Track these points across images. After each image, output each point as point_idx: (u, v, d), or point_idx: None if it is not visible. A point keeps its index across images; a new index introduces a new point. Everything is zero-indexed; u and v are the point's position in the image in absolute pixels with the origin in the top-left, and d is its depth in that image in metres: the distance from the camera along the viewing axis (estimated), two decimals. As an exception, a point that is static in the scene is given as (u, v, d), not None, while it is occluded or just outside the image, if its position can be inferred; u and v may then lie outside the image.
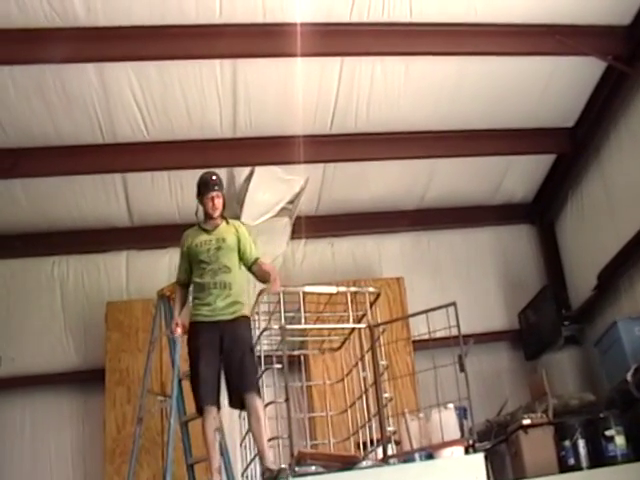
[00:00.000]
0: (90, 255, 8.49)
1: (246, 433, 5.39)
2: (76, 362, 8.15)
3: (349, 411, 5.54)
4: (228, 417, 6.77)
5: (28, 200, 7.90)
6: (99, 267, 8.45)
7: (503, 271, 9.02)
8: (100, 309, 7.94)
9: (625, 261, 7.28)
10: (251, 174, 7.87)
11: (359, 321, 5.37)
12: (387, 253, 8.91)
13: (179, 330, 5.52)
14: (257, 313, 5.32)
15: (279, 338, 5.16)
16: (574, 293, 8.53)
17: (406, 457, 5.35)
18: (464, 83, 7.38)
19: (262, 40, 6.45)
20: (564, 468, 6.25)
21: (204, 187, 5.66)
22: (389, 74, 7.19)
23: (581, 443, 6.31)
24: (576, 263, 8.58)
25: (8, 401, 7.94)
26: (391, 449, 5.18)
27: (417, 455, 5.44)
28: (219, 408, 5.38)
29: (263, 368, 5.08)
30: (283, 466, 4.90)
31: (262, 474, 4.97)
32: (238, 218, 7.88)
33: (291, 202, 8.11)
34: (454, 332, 5.05)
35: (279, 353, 5.06)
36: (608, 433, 6.25)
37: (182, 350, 5.68)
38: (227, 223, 5.73)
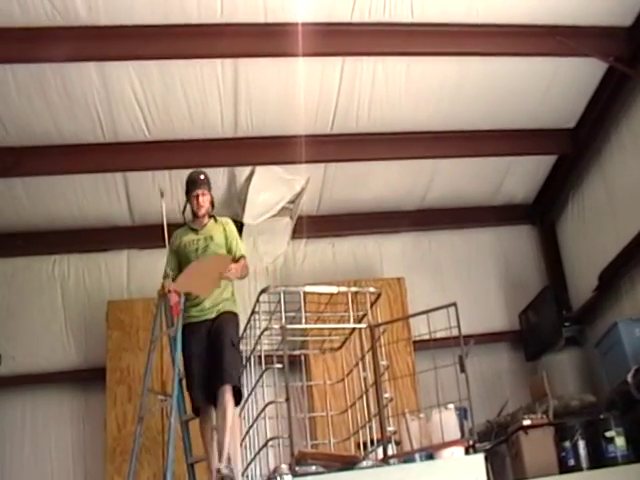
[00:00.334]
0: (91, 254, 8.49)
1: (246, 433, 5.38)
2: (77, 361, 8.15)
3: (349, 411, 5.53)
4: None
5: (29, 199, 7.90)
6: (100, 266, 8.45)
7: (504, 272, 9.01)
8: (101, 308, 7.94)
9: (626, 262, 7.27)
10: (252, 174, 7.87)
11: (360, 321, 5.36)
12: (388, 253, 8.90)
13: (175, 297, 5.49)
14: (258, 312, 5.31)
15: (280, 338, 5.15)
16: (575, 294, 8.51)
17: (406, 457, 5.34)
18: (465, 83, 7.37)
19: (263, 40, 6.45)
20: (564, 469, 6.24)
21: (191, 185, 5.75)
22: (390, 74, 7.19)
23: (581, 444, 6.30)
24: (577, 264, 8.56)
25: (9, 400, 7.94)
26: (391, 449, 5.17)
27: (417, 455, 5.43)
28: (215, 406, 5.36)
29: (264, 368, 5.07)
30: (226, 472, 5.00)
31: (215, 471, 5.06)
32: (239, 218, 7.90)
33: (292, 202, 8.11)
34: (455, 332, 5.04)
35: (280, 353, 5.05)
36: (608, 434, 6.24)
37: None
38: (215, 221, 5.77)
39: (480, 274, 8.88)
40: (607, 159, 7.73)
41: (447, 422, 5.17)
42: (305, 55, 6.53)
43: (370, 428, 5.19)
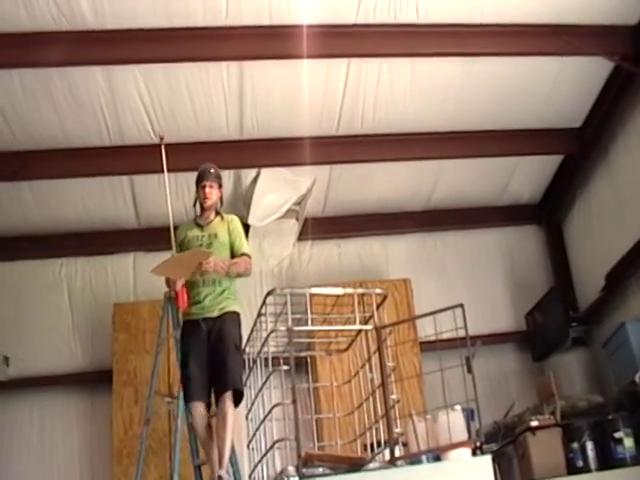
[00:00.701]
0: (97, 257, 8.52)
1: (253, 435, 5.39)
2: (83, 363, 8.19)
3: (356, 413, 5.53)
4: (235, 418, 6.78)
5: (36, 202, 7.94)
6: (106, 269, 8.49)
7: (510, 272, 9.02)
8: (107, 311, 7.98)
9: (633, 261, 7.25)
10: (257, 176, 7.89)
11: (366, 322, 5.36)
12: (394, 254, 8.91)
13: (179, 282, 5.49)
14: (264, 314, 5.32)
15: (286, 340, 5.16)
16: (582, 294, 8.50)
17: (413, 459, 5.34)
18: (470, 84, 7.38)
19: (268, 42, 6.48)
20: (572, 470, 6.24)
21: (200, 176, 5.73)
22: (395, 75, 7.20)
23: (589, 445, 6.30)
24: (584, 264, 8.56)
25: (16, 402, 7.99)
26: (398, 451, 5.17)
27: (424, 457, 5.43)
28: (209, 405, 5.38)
29: (270, 370, 5.08)
30: (227, 478, 5.03)
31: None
32: (245, 220, 7.91)
33: (298, 204, 8.12)
34: (461, 333, 5.04)
35: (286, 355, 5.06)
36: (617, 435, 6.24)
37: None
38: (222, 219, 5.74)
39: (486, 275, 8.89)
40: (614, 158, 7.72)
41: (454, 423, 5.16)
42: (310, 57, 6.56)
43: (377, 430, 5.18)
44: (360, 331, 5.37)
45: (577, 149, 8.24)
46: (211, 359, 5.33)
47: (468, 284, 8.59)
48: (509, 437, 6.71)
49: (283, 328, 5.01)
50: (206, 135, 7.43)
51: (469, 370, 4.97)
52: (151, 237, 8.14)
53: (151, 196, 7.85)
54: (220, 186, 5.79)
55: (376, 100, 7.37)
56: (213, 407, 5.38)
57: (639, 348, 6.70)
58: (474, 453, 5.13)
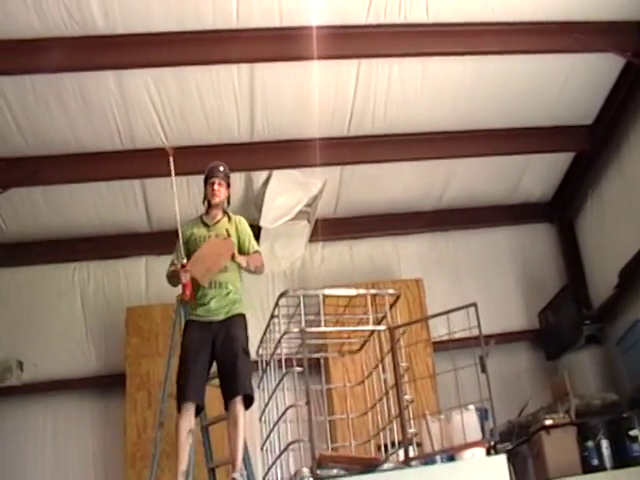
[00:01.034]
0: (110, 261, 8.58)
1: (266, 437, 5.42)
2: (97, 367, 8.24)
3: (369, 413, 5.54)
4: (248, 420, 6.81)
5: (48, 207, 8.01)
6: (119, 273, 8.55)
7: (522, 271, 9.02)
8: (120, 314, 8.04)
9: (646, 259, 7.26)
10: (269, 178, 7.93)
11: (379, 323, 5.38)
12: (405, 254, 8.94)
13: (188, 276, 5.43)
14: (277, 316, 5.35)
15: (299, 341, 5.19)
16: (595, 292, 8.50)
17: (427, 459, 5.35)
18: (481, 82, 7.41)
19: (279, 44, 6.54)
20: (587, 469, 6.26)
21: (209, 173, 5.74)
22: (406, 75, 7.24)
23: (604, 443, 6.31)
24: (596, 261, 8.56)
25: (30, 406, 8.05)
26: (412, 451, 5.19)
27: (438, 457, 5.45)
28: (201, 409, 5.42)
29: (284, 371, 5.11)
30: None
31: None
32: (257, 222, 7.95)
33: (309, 205, 8.14)
34: (474, 333, 5.05)
35: (299, 356, 5.09)
36: (632, 433, 6.26)
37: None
38: (229, 219, 5.75)
39: (498, 274, 8.90)
40: (626, 155, 7.72)
41: (468, 423, 5.18)
42: (320, 58, 6.60)
43: (390, 430, 5.20)
44: (373, 332, 5.39)
45: (589, 146, 8.25)
46: (219, 363, 5.34)
47: (480, 283, 8.61)
48: (523, 436, 6.72)
49: (296, 330, 5.03)
50: (217, 138, 7.48)
51: (483, 369, 4.97)
52: (163, 240, 8.11)
53: (163, 199, 7.83)
54: (228, 185, 5.79)
55: (387, 100, 7.41)
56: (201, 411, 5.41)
57: (653, 345, 6.71)
58: (488, 453, 5.15)
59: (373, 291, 5.49)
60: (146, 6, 6.12)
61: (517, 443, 6.73)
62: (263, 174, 7.99)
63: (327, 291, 5.44)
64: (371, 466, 5.04)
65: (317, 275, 8.66)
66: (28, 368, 8.09)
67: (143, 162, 7.43)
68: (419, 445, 5.47)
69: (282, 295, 5.22)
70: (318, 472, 4.76)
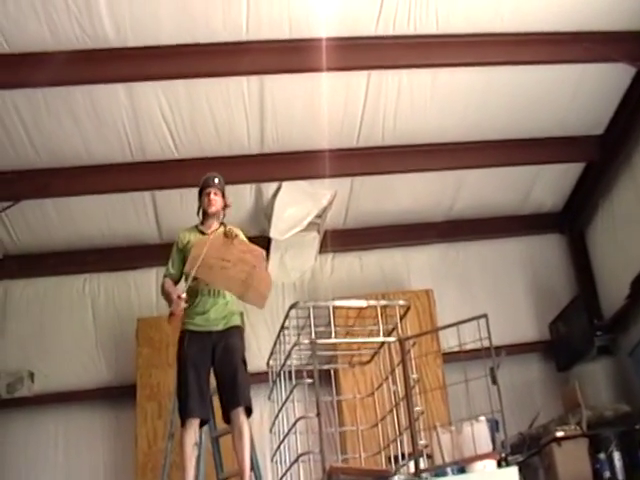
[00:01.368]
0: (120, 272, 8.62)
1: (277, 448, 5.43)
2: (107, 378, 8.27)
3: (380, 425, 5.54)
4: (258, 431, 6.82)
5: (60, 219, 8.06)
6: (129, 284, 8.58)
7: (533, 281, 9.00)
8: (131, 325, 8.06)
9: (658, 269, 7.24)
10: (279, 189, 7.96)
11: (389, 334, 5.38)
12: (415, 265, 8.94)
13: (182, 303, 5.23)
14: (287, 328, 5.36)
15: (309, 353, 5.19)
16: (606, 302, 8.47)
17: (438, 471, 5.34)
18: (491, 93, 7.42)
19: (288, 56, 6.56)
20: (600, 481, 6.22)
21: (203, 184, 5.67)
22: (415, 86, 7.26)
23: (617, 455, 6.28)
24: (608, 272, 8.52)
25: (41, 417, 8.09)
26: (423, 463, 5.18)
27: (449, 469, 5.43)
28: (206, 422, 5.38)
29: (294, 383, 5.11)
30: None
31: None
32: (267, 233, 7.98)
33: (319, 216, 8.15)
34: (485, 344, 5.05)
35: (309, 368, 5.09)
36: (644, 444, 6.22)
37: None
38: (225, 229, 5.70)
39: (509, 284, 8.89)
40: (637, 165, 7.69)
41: (479, 435, 5.17)
42: (330, 70, 6.63)
43: (401, 442, 5.20)
44: (383, 343, 5.39)
45: (599, 156, 8.24)
46: (219, 374, 5.30)
47: (491, 294, 8.60)
48: (534, 448, 6.69)
49: (306, 341, 5.04)
50: (227, 149, 7.51)
51: (494, 381, 4.97)
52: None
53: (173, 211, 7.95)
54: (224, 196, 5.72)
55: (397, 111, 7.43)
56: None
57: (666, 356, 6.68)
58: (499, 464, 5.13)
59: (383, 302, 5.48)
60: (157, 19, 6.17)
61: (528, 455, 6.70)
62: (273, 185, 8.01)
63: (337, 302, 5.45)
64: (381, 478, 5.05)
65: (327, 286, 8.65)
66: (39, 379, 8.13)
67: (154, 174, 7.49)
68: (430, 457, 5.46)
69: (292, 306, 5.23)
70: (329, 484, 4.76)
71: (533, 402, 8.12)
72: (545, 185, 8.84)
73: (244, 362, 5.36)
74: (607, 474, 6.26)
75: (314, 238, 8.39)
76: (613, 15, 6.72)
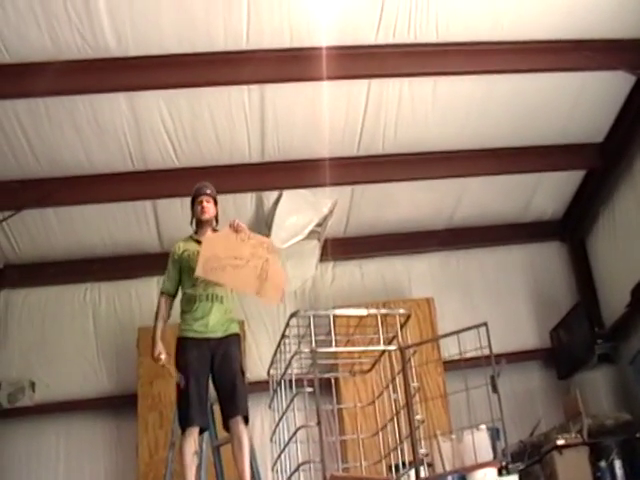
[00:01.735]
0: (122, 281, 8.66)
1: (277, 457, 5.43)
2: (108, 388, 8.29)
3: (380, 433, 5.55)
4: (258, 440, 6.83)
5: (61, 228, 8.09)
6: (130, 293, 8.61)
7: (534, 289, 9.03)
8: (132, 335, 8.06)
9: (659, 277, 7.25)
10: (279, 198, 7.99)
11: (389, 343, 5.39)
12: (416, 274, 8.97)
13: (163, 357, 5.34)
14: (287, 336, 5.38)
15: (310, 361, 5.20)
16: (607, 310, 8.49)
17: (439, 479, 5.36)
18: (492, 101, 7.45)
19: (289, 65, 6.58)
20: (600, 489, 6.22)
21: (196, 192, 5.65)
22: (416, 94, 7.28)
23: (618, 464, 6.28)
24: (609, 280, 8.54)
25: (42, 426, 8.10)
26: (423, 471, 5.18)
27: (450, 477, 5.45)
28: (206, 429, 5.37)
29: (294, 392, 5.12)
30: None
31: None
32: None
33: (319, 225, 8.16)
34: (485, 352, 5.06)
35: (310, 376, 5.10)
36: (645, 453, 6.22)
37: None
38: None
39: (510, 292, 8.91)
40: (638, 172, 7.71)
41: (479, 443, 5.19)
42: (330, 78, 6.66)
43: (402, 450, 5.21)
44: (384, 352, 5.40)
45: (600, 164, 8.26)
46: (218, 382, 5.30)
47: (492, 302, 8.62)
48: (535, 456, 6.70)
49: (307, 350, 5.05)
50: (228, 158, 7.54)
51: (494, 389, 4.98)
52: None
53: (174, 220, 7.91)
54: (216, 204, 5.69)
55: (397, 120, 7.46)
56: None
57: (667, 364, 6.68)
58: (500, 473, 5.15)
59: (384, 311, 5.49)
60: (158, 28, 6.20)
61: (529, 463, 6.71)
62: (274, 194, 8.04)
63: (338, 311, 5.45)
64: (382, 486, 5.05)
65: (328, 295, 8.69)
66: (40, 388, 8.15)
67: (155, 183, 7.51)
68: (430, 465, 5.47)
69: (293, 315, 5.24)
70: (329, 492, 4.76)
71: (534, 410, 8.13)
72: (546, 193, 8.86)
73: (242, 371, 5.37)
74: (608, 482, 6.27)
75: (315, 247, 8.40)
76: (613, 23, 6.74)
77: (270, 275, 5.36)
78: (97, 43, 6.18)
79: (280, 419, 5.33)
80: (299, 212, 7.96)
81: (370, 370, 5.75)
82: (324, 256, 8.59)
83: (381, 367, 5.57)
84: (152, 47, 6.32)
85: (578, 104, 7.62)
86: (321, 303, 8.40)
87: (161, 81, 6.53)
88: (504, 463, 5.19)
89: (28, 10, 5.85)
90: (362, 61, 6.72)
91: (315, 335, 5.09)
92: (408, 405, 5.07)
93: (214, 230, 5.64)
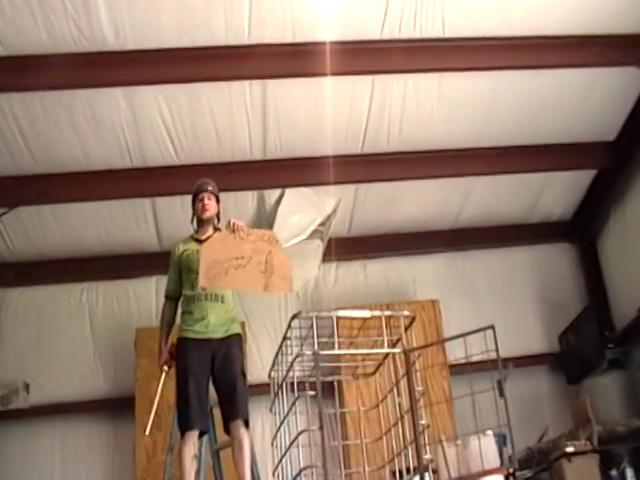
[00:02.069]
0: (119, 281, 8.63)
1: (278, 462, 5.41)
2: (105, 389, 8.26)
3: (384, 438, 5.52)
4: (259, 444, 6.80)
5: (57, 226, 8.05)
6: (128, 293, 8.58)
7: (542, 292, 8.99)
8: (130, 335, 8.04)
9: (672, 279, 7.22)
10: (281, 196, 7.98)
11: (394, 345, 5.37)
12: (421, 275, 8.94)
13: (166, 368, 5.40)
14: (289, 338, 5.35)
15: (312, 364, 5.18)
16: (618, 314, 8.46)
17: (444, 486, 5.35)
18: (499, 98, 7.43)
19: (292, 60, 6.58)
20: (611, 498, 6.19)
21: (197, 190, 5.63)
22: (422, 91, 7.27)
23: (629, 472, 6.27)
24: (619, 282, 8.51)
25: (37, 429, 8.06)
26: (428, 478, 5.16)
27: (455, 484, 5.43)
28: (205, 433, 5.35)
29: (296, 395, 5.10)
30: None
31: None
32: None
33: (322, 224, 8.14)
34: (492, 356, 5.04)
35: (312, 379, 5.08)
36: (658, 461, 6.18)
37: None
38: None
39: (517, 295, 8.88)
40: (650, 172, 7.71)
41: (486, 449, 5.17)
42: (334, 74, 6.64)
43: (406, 456, 5.18)
44: (388, 354, 5.38)
45: (611, 163, 8.24)
46: (218, 384, 5.28)
47: (498, 304, 8.58)
48: (543, 463, 6.66)
49: (309, 352, 5.03)
50: (229, 155, 7.52)
51: (501, 394, 4.96)
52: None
53: (173, 218, 7.90)
54: (218, 201, 5.68)
55: (402, 117, 7.44)
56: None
57: (680, 369, 6.65)
58: (507, 480, 5.12)
59: (388, 313, 5.47)
60: (157, 22, 6.19)
61: (537, 470, 6.67)
62: (276, 192, 8.02)
63: (341, 313, 5.43)
64: (386, 493, 5.02)
65: (331, 296, 8.66)
66: (35, 390, 8.10)
67: (153, 180, 7.50)
68: (435, 472, 5.45)
69: (295, 317, 5.22)
70: (331, 499, 4.74)
71: (542, 416, 8.09)
72: (554, 193, 8.84)
73: (243, 374, 5.35)
74: (619, 491, 6.24)
75: (318, 246, 8.37)
76: (623, 18, 6.73)
77: (276, 267, 5.32)
78: (94, 36, 6.16)
79: (281, 423, 5.30)
80: (301, 211, 7.94)
81: (374, 373, 5.73)
82: (327, 256, 8.55)
83: (385, 370, 5.55)
84: (151, 41, 6.30)
85: (587, 101, 7.59)
86: (324, 304, 8.37)
87: (160, 76, 6.52)
88: (511, 470, 5.16)
89: (23, 1, 5.84)
90: (366, 57, 6.71)
91: (317, 337, 5.07)
92: (412, 409, 5.05)
93: (215, 229, 5.61)
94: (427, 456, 5.09)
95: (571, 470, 6.23)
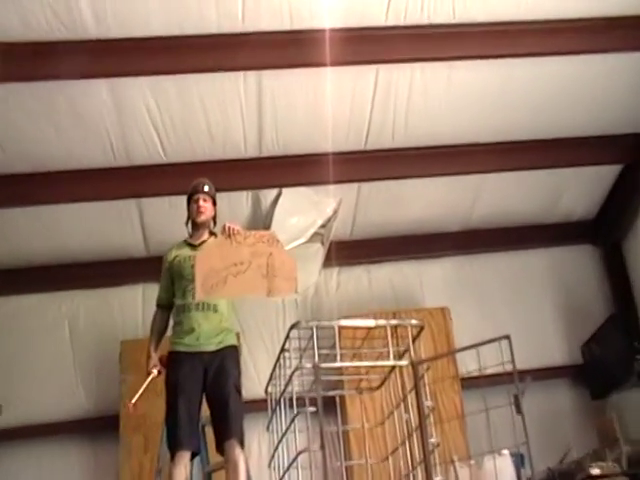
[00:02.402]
0: (102, 289, 8.66)
1: (276, 482, 5.47)
2: (86, 408, 8.29)
3: (390, 458, 5.57)
4: (256, 465, 6.85)
5: (33, 230, 8.06)
6: (112, 302, 8.61)
7: (562, 298, 9.04)
8: (114, 348, 8.07)
9: None
10: (278, 196, 8.03)
11: (401, 357, 5.41)
12: (429, 280, 8.99)
13: (155, 372, 5.45)
14: (287, 350, 5.40)
15: (312, 378, 5.22)
16: (646, 322, 8.50)
17: (456, 510, 5.39)
18: (513, 88, 7.46)
19: (289, 49, 6.62)
20: (640, 525, 6.22)
21: (192, 190, 5.70)
22: (429, 82, 7.31)
23: (662, 497, 6.28)
24: (648, 287, 8.57)
25: (11, 453, 8.05)
26: (439, 501, 5.22)
27: (469, 507, 5.48)
28: (197, 454, 5.39)
29: (295, 412, 5.14)
30: None
31: None
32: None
33: (323, 226, 8.18)
34: (508, 368, 5.08)
35: (312, 395, 5.12)
36: (693, 485, 6.21)
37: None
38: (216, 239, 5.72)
39: (535, 301, 8.93)
40: (682, 167, 7.76)
41: (502, 470, 5.21)
42: (335, 64, 6.68)
43: (414, 477, 5.23)
44: (394, 367, 5.42)
45: (638, 157, 8.28)
46: (211, 400, 5.32)
47: (514, 312, 8.64)
48: (566, 486, 6.71)
49: (309, 365, 5.07)
50: (221, 153, 7.57)
51: (518, 410, 5.00)
52: (161, 267, 8.28)
53: (161, 221, 7.97)
54: (214, 203, 5.76)
55: (408, 110, 7.49)
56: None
57: None
58: (525, 503, 5.17)
59: (394, 322, 5.51)
60: (143, 7, 6.20)
61: (558, 494, 6.73)
62: (272, 192, 8.07)
63: (343, 322, 5.48)
64: (393, 517, 5.07)
65: (332, 304, 8.71)
66: (8, 411, 8.05)
67: (139, 180, 7.53)
68: (446, 494, 5.49)
69: (293, 326, 5.26)
70: (334, 524, 4.79)
71: (563, 434, 8.13)
72: (575, 190, 8.88)
73: (238, 390, 5.37)
74: (649, 518, 6.27)
75: (318, 250, 8.41)
76: (648, -2, 6.77)
77: (278, 269, 5.36)
78: (73, 22, 6.15)
79: (279, 442, 5.35)
80: (300, 212, 7.98)
81: (379, 387, 5.78)
82: (328, 261, 8.60)
83: (391, 384, 5.60)
84: (136, 28, 6.32)
85: (612, 90, 7.63)
86: (325, 313, 8.43)
87: (146, 66, 6.54)
88: (529, 492, 5.21)
89: (-8, -16, 5.86)
90: (370, 45, 6.75)
91: (318, 349, 5.12)
92: (421, 427, 5.09)
93: (211, 233, 5.68)
94: (437, 478, 5.13)
95: (597, 495, 6.28)
